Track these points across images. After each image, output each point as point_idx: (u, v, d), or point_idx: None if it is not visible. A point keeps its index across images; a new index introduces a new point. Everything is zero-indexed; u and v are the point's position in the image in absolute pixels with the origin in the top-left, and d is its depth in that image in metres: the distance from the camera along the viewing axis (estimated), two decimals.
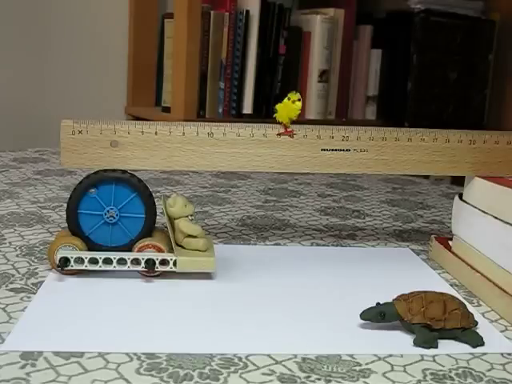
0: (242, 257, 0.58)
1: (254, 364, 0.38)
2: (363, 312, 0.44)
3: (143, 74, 1.56)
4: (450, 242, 0.59)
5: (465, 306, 0.44)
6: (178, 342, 0.41)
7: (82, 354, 0.38)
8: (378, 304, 0.44)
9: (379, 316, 0.43)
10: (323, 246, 0.63)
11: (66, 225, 0.51)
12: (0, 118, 1.46)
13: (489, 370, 0.39)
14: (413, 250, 0.63)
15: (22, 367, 0.37)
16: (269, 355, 0.40)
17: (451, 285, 0.54)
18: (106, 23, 1.55)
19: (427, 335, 0.42)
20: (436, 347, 0.42)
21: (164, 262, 0.50)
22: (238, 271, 0.54)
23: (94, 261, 0.50)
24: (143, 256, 0.50)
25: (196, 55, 1.39)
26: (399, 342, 0.43)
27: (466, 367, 0.40)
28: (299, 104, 0.52)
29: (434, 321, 0.42)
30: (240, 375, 0.37)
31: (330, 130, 0.54)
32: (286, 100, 0.52)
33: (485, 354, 0.42)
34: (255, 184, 0.89)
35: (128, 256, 0.50)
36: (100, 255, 0.50)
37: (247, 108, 1.49)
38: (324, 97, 1.60)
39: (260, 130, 0.53)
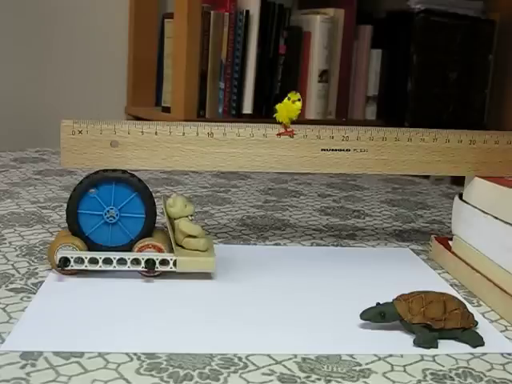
0: (242, 257, 0.58)
1: (254, 364, 0.38)
2: (363, 312, 0.44)
3: (143, 73, 1.56)
4: (450, 242, 0.59)
5: (465, 306, 0.44)
6: (178, 342, 0.41)
7: (81, 354, 0.38)
8: (377, 304, 0.44)
9: (379, 316, 0.43)
10: (323, 245, 0.63)
11: (66, 225, 0.51)
12: (0, 118, 1.46)
13: (489, 370, 0.39)
14: (413, 250, 0.63)
15: (22, 367, 0.37)
16: (269, 355, 0.40)
17: (451, 285, 0.54)
18: (106, 23, 1.55)
19: (427, 335, 0.42)
20: (436, 347, 0.42)
21: (164, 262, 0.50)
22: (237, 271, 0.54)
23: (94, 261, 0.50)
24: (143, 256, 0.50)
25: (196, 55, 1.39)
26: (399, 342, 0.43)
27: (466, 367, 0.40)
28: (299, 104, 0.52)
29: (433, 321, 0.42)
30: (240, 375, 0.37)
31: (329, 130, 0.54)
32: (286, 100, 0.52)
33: (485, 354, 0.42)
34: (255, 184, 0.89)
35: (128, 256, 0.50)
36: (100, 255, 0.50)
37: (247, 108, 1.49)
38: (324, 97, 1.60)
39: (260, 130, 0.53)
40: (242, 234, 0.65)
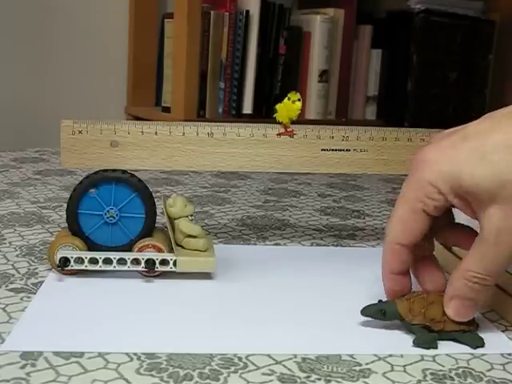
0: (242, 257, 0.58)
1: (253, 364, 0.38)
2: (364, 308, 0.44)
3: (143, 73, 1.56)
4: None
5: None
6: (178, 341, 0.41)
7: (82, 354, 0.38)
8: (380, 301, 0.44)
9: (380, 313, 0.43)
10: (323, 245, 0.63)
11: (66, 225, 0.51)
12: (0, 117, 1.46)
13: (489, 370, 0.39)
14: None
15: (22, 367, 0.37)
16: (269, 355, 0.40)
17: None
18: (106, 23, 1.55)
19: (427, 336, 0.42)
20: (436, 348, 0.42)
21: (164, 262, 0.50)
22: (237, 271, 0.54)
23: (94, 261, 0.50)
24: (143, 256, 0.50)
25: (196, 55, 1.39)
26: (399, 342, 0.43)
27: (466, 367, 0.40)
28: (299, 104, 0.52)
29: (433, 322, 0.42)
30: (240, 375, 0.37)
31: (329, 130, 0.54)
32: (286, 100, 0.52)
33: (485, 354, 0.42)
34: (255, 184, 0.89)
35: (128, 256, 0.50)
36: (100, 255, 0.50)
37: (247, 108, 1.49)
38: (324, 97, 1.60)
39: (260, 130, 0.53)
40: (242, 234, 0.65)
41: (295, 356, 0.40)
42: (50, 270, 0.52)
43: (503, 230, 0.39)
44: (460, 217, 0.55)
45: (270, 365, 0.38)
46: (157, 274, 0.51)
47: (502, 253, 0.40)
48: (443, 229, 0.46)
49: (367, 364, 0.39)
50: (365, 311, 0.44)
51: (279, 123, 0.53)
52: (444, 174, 0.41)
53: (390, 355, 0.41)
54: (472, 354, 0.41)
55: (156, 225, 0.52)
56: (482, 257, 0.41)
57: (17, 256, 0.55)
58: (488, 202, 0.39)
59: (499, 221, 0.39)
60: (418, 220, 0.42)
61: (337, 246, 0.63)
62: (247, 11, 1.45)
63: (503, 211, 0.39)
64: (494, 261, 0.40)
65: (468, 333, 0.43)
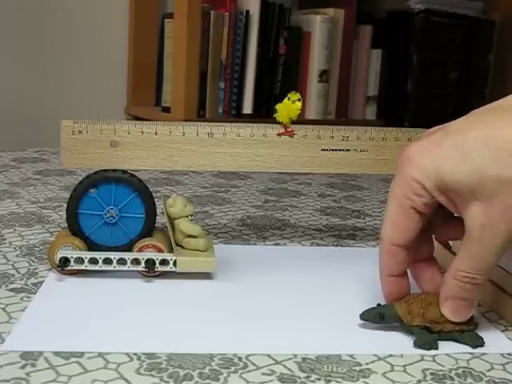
0: (242, 257, 0.58)
1: (254, 364, 0.38)
2: (363, 312, 0.44)
3: (143, 73, 1.56)
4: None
5: None
6: (178, 341, 0.41)
7: (81, 354, 0.38)
8: (378, 305, 0.44)
9: (378, 317, 0.43)
10: (323, 245, 0.63)
11: (66, 225, 0.51)
12: (0, 117, 1.46)
13: (489, 370, 0.39)
14: None
15: (22, 367, 0.37)
16: (269, 355, 0.40)
17: None
18: (106, 23, 1.55)
19: (427, 337, 0.42)
20: (436, 348, 0.42)
21: (164, 262, 0.50)
22: (237, 271, 0.54)
23: (94, 261, 0.50)
24: (143, 256, 0.50)
25: (196, 55, 1.39)
26: (399, 342, 0.43)
27: (466, 367, 0.40)
28: (299, 104, 0.52)
29: (432, 323, 0.42)
30: (240, 375, 0.37)
31: (330, 130, 0.54)
32: (286, 100, 0.52)
33: (485, 354, 0.42)
34: (255, 184, 0.89)
35: (128, 256, 0.50)
36: (100, 255, 0.50)
37: (247, 108, 1.49)
38: (324, 97, 1.60)
39: (260, 130, 0.53)
40: (242, 234, 0.65)
41: (295, 356, 0.40)
42: (50, 270, 0.52)
43: (486, 227, 0.39)
44: None
45: (270, 365, 0.38)
46: (157, 273, 0.51)
47: (487, 249, 0.40)
48: (442, 224, 0.46)
49: (367, 364, 0.39)
50: (363, 315, 0.44)
51: (279, 123, 0.53)
52: (427, 171, 0.40)
53: (390, 355, 0.41)
54: (472, 354, 0.41)
55: (156, 225, 0.52)
56: (469, 255, 0.40)
57: (17, 256, 0.55)
58: (469, 198, 0.39)
59: (481, 217, 0.39)
60: (410, 218, 0.42)
61: (337, 245, 0.63)
62: (247, 11, 1.45)
63: (484, 208, 0.39)
64: (482, 258, 0.40)
65: (467, 332, 0.43)
